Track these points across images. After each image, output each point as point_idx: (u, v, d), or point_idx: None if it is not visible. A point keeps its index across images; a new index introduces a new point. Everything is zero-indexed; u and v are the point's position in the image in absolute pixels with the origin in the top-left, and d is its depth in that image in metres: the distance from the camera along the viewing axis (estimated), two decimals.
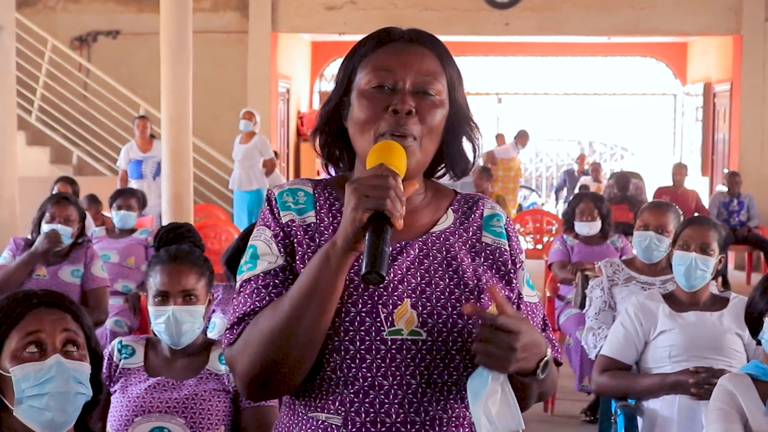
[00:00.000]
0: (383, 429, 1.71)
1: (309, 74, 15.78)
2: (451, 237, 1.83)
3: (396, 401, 1.72)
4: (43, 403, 2.14)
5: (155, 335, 3.14)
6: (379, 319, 1.72)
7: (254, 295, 1.75)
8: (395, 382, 1.72)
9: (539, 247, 11.22)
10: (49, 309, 2.21)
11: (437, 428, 1.74)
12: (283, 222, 1.80)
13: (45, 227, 5.20)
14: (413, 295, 1.75)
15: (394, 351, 1.72)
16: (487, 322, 1.65)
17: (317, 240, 1.78)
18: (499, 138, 15.61)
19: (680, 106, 16.11)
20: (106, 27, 13.00)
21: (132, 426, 2.93)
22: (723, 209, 11.57)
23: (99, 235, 6.62)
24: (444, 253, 1.80)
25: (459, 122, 1.84)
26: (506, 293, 1.82)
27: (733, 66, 13.12)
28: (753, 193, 11.67)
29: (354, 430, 1.71)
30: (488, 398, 1.67)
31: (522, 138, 15.26)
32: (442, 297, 1.76)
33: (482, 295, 1.78)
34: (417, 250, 1.79)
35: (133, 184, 9.93)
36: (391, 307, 1.73)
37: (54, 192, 7.26)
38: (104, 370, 2.99)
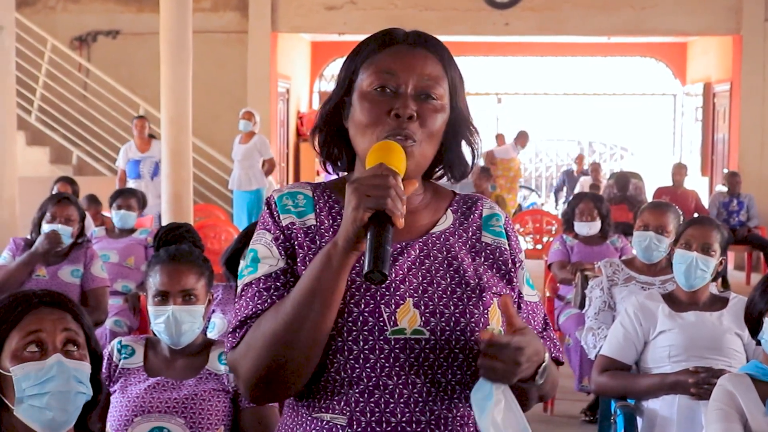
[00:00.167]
0: (388, 428, 1.71)
1: (309, 74, 15.78)
2: (451, 237, 1.83)
3: (401, 401, 1.72)
4: (44, 402, 2.15)
5: (155, 335, 3.14)
6: (381, 319, 1.72)
7: (256, 298, 1.75)
8: (400, 382, 1.72)
9: (539, 247, 11.22)
10: (49, 309, 2.21)
11: (442, 427, 1.74)
12: (284, 225, 1.80)
13: (45, 227, 5.20)
14: (415, 295, 1.75)
15: (397, 350, 1.72)
16: (501, 345, 1.66)
17: (318, 242, 1.78)
18: (499, 138, 15.62)
19: (680, 106, 16.12)
20: (106, 27, 13.00)
21: (131, 426, 2.94)
22: (723, 209, 11.57)
23: (99, 235, 6.62)
24: (444, 253, 1.81)
25: (459, 126, 1.84)
26: (507, 292, 1.83)
27: (732, 66, 13.12)
28: (753, 193, 11.68)
29: (359, 429, 1.71)
30: (494, 408, 1.69)
31: (522, 138, 15.26)
32: (444, 296, 1.76)
33: (484, 294, 1.78)
34: (417, 251, 1.80)
35: (131, 183, 9.93)
36: (393, 306, 1.73)
37: (54, 192, 7.26)
38: (104, 370, 3.00)
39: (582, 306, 5.51)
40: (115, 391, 3.02)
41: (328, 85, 16.22)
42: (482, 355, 1.67)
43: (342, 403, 1.73)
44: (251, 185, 11.21)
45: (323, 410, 1.74)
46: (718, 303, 3.87)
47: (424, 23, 12.19)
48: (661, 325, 3.78)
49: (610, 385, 3.85)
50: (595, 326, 4.79)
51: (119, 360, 3.07)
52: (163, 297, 3.10)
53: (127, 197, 6.98)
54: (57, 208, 5.22)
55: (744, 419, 3.00)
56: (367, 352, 1.71)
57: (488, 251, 1.85)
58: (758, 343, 3.19)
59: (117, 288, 6.17)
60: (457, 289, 1.77)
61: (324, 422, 1.74)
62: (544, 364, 1.74)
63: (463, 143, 1.86)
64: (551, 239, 9.51)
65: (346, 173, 1.90)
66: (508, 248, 1.86)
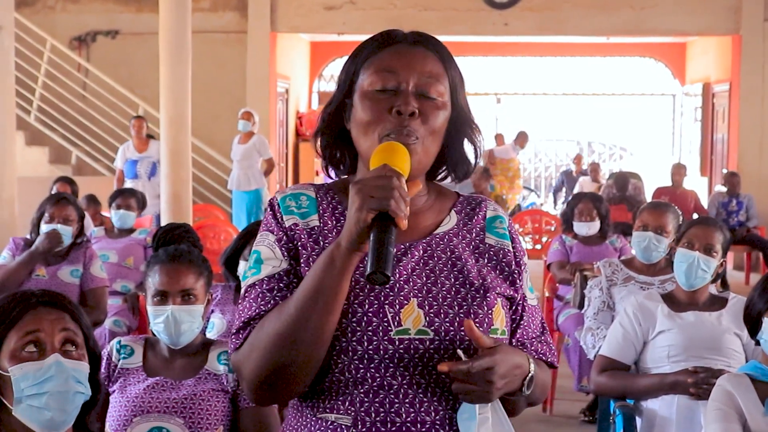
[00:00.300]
0: (393, 428, 1.71)
1: (308, 74, 15.78)
2: (454, 238, 1.84)
3: (406, 401, 1.72)
4: (43, 402, 2.15)
5: (154, 335, 3.14)
6: (386, 319, 1.72)
7: (259, 299, 1.75)
8: (404, 382, 1.72)
9: (538, 247, 11.21)
10: (47, 309, 2.21)
11: (447, 427, 1.74)
12: (287, 226, 1.80)
13: (44, 227, 5.19)
14: (419, 295, 1.75)
15: (402, 350, 1.72)
16: (460, 376, 1.67)
17: (321, 243, 1.78)
18: (499, 138, 15.62)
19: (679, 107, 16.13)
20: (105, 27, 13.00)
21: (131, 426, 2.94)
22: (722, 209, 11.57)
23: (98, 235, 6.62)
24: (448, 253, 1.81)
25: (461, 124, 1.85)
26: (510, 294, 1.84)
27: (732, 66, 13.12)
28: (752, 194, 11.68)
29: (364, 430, 1.71)
30: (480, 427, 1.70)
31: (521, 139, 15.26)
32: (449, 296, 1.77)
33: (488, 294, 1.79)
34: (421, 251, 1.80)
35: (128, 183, 9.92)
36: (397, 306, 1.73)
37: (53, 192, 7.26)
38: (103, 370, 3.00)
39: (581, 306, 5.51)
40: (114, 391, 3.02)
41: (328, 85, 16.21)
42: (454, 381, 1.69)
43: (347, 404, 1.73)
44: (250, 185, 11.21)
45: (328, 410, 1.75)
46: (717, 303, 3.87)
47: (423, 23, 12.19)
48: (661, 325, 3.78)
49: (609, 385, 3.85)
50: (594, 326, 4.79)
51: (118, 360, 3.07)
52: (163, 297, 3.10)
53: (126, 197, 6.98)
54: (56, 208, 5.22)
55: (743, 419, 3.00)
56: (371, 352, 1.71)
57: (492, 252, 1.85)
58: (757, 343, 3.19)
59: (116, 288, 6.17)
60: (462, 290, 1.78)
61: (329, 422, 1.74)
62: (530, 375, 1.75)
63: (465, 142, 1.86)
64: (550, 239, 9.51)
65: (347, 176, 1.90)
66: (511, 250, 1.87)
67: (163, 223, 7.51)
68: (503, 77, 17.91)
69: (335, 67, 16.03)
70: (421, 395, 1.73)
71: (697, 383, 3.58)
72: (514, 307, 1.85)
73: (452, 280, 1.78)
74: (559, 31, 13.23)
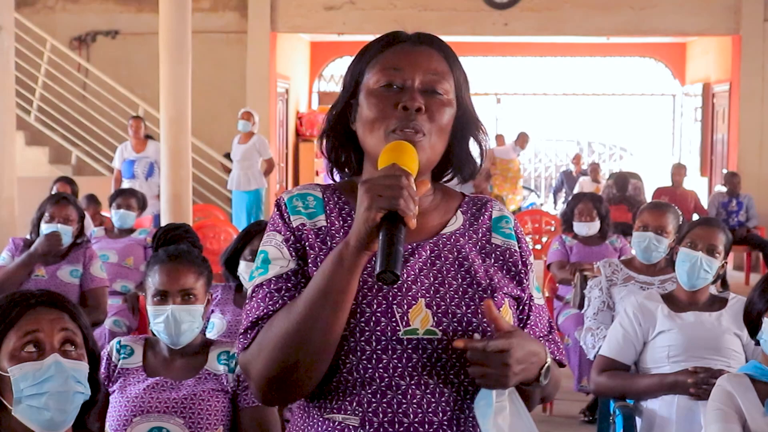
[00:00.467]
0: (401, 429, 1.71)
1: (308, 74, 15.78)
2: (461, 238, 1.84)
3: (414, 401, 1.72)
4: (42, 402, 2.15)
5: (154, 335, 3.14)
6: (394, 319, 1.72)
7: (267, 299, 1.75)
8: (413, 382, 1.72)
9: (538, 247, 11.20)
10: (46, 309, 2.21)
11: (455, 428, 1.74)
12: (294, 226, 1.80)
13: (44, 227, 5.19)
14: (427, 295, 1.75)
15: (410, 351, 1.72)
16: (478, 350, 1.67)
17: (329, 244, 1.78)
18: (499, 139, 15.61)
19: (679, 107, 16.13)
20: (105, 27, 13.00)
21: (130, 426, 2.94)
22: (722, 210, 11.57)
23: (98, 235, 6.62)
24: (455, 253, 1.81)
25: (466, 123, 1.85)
26: (517, 293, 1.84)
27: (732, 66, 13.12)
28: (752, 194, 11.68)
29: (371, 430, 1.71)
30: (497, 416, 1.69)
31: (522, 140, 15.26)
32: (456, 296, 1.77)
33: (495, 294, 1.79)
34: (428, 252, 1.80)
35: (125, 184, 9.92)
36: (405, 306, 1.73)
37: (53, 192, 7.26)
38: (103, 370, 2.99)
39: (581, 306, 5.51)
40: (114, 391, 3.02)
41: (328, 85, 16.21)
42: (470, 364, 1.68)
43: (354, 404, 1.72)
44: (250, 185, 11.21)
45: (335, 411, 1.74)
46: (717, 303, 3.87)
47: (423, 23, 12.19)
48: (660, 325, 3.78)
49: (609, 386, 3.85)
50: (594, 326, 4.79)
51: (118, 360, 3.07)
52: (163, 296, 3.10)
53: (127, 197, 6.98)
54: (56, 208, 5.22)
55: (743, 419, 2.99)
56: (379, 352, 1.71)
57: (498, 253, 1.85)
58: (757, 343, 3.19)
59: (116, 288, 6.17)
60: (469, 290, 1.78)
61: (336, 423, 1.74)
62: (546, 365, 1.74)
63: (470, 142, 1.87)
64: (550, 239, 9.51)
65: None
66: (518, 250, 1.87)
67: (163, 223, 7.51)
68: (503, 77, 17.91)
69: (335, 67, 16.03)
70: (428, 396, 1.72)
71: (697, 383, 3.58)
72: (521, 307, 1.86)
73: (459, 280, 1.78)
74: (559, 31, 13.23)
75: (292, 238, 1.79)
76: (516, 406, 1.71)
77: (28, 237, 5.34)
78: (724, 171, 12.79)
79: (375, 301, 1.73)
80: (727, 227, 4.03)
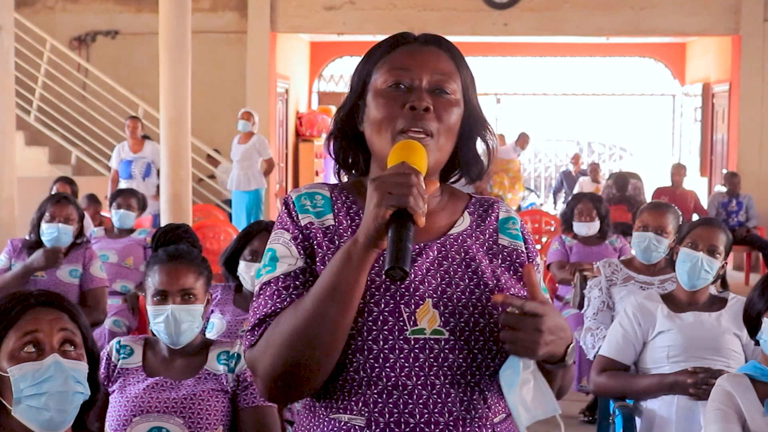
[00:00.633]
0: (407, 429, 1.71)
1: (308, 74, 15.78)
2: (468, 239, 1.84)
3: (420, 401, 1.72)
4: (42, 402, 2.15)
5: (154, 335, 3.14)
6: (401, 319, 1.73)
7: (275, 296, 1.75)
8: (419, 382, 1.72)
9: (538, 247, 11.20)
10: (46, 309, 2.21)
11: (461, 428, 1.74)
12: (302, 224, 1.80)
13: (44, 227, 5.18)
14: (434, 295, 1.76)
15: (417, 350, 1.72)
16: (516, 308, 1.67)
17: (337, 242, 1.79)
18: (499, 139, 15.61)
19: (679, 107, 16.13)
20: (105, 27, 13.00)
21: (130, 426, 2.94)
22: (722, 210, 11.57)
23: (98, 235, 6.61)
24: (462, 254, 1.82)
25: (474, 123, 1.87)
26: (524, 294, 1.84)
27: (731, 66, 13.12)
28: (752, 194, 11.68)
29: (377, 430, 1.71)
30: (522, 387, 1.68)
31: (522, 141, 15.25)
32: (463, 297, 1.77)
33: None
34: (436, 252, 1.80)
35: (122, 184, 9.92)
36: (413, 306, 1.74)
37: (53, 192, 7.26)
38: (102, 370, 3.00)
39: (581, 306, 5.51)
40: (113, 391, 3.02)
41: (328, 85, 16.21)
42: (503, 328, 1.68)
43: (360, 404, 1.73)
44: (250, 185, 11.20)
45: (341, 411, 1.74)
46: (716, 303, 3.87)
47: (423, 23, 12.20)
48: (660, 325, 3.78)
49: (609, 386, 3.85)
50: (594, 326, 4.79)
51: (118, 360, 3.07)
52: (162, 296, 3.10)
53: (127, 197, 6.98)
54: (56, 208, 5.21)
55: (742, 420, 2.99)
56: (386, 351, 1.72)
57: (505, 253, 1.86)
58: (757, 343, 3.19)
59: (116, 288, 6.17)
60: (476, 290, 1.78)
61: (342, 423, 1.74)
62: (572, 345, 1.75)
63: (477, 142, 1.88)
64: (550, 239, 9.52)
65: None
66: (524, 251, 1.88)
67: (162, 224, 7.51)
68: (503, 77, 17.90)
69: (335, 67, 16.03)
70: (435, 396, 1.73)
71: (697, 384, 3.57)
72: None
73: (467, 281, 1.79)
74: (558, 31, 13.23)
75: (300, 236, 1.80)
76: (539, 383, 1.70)
77: (27, 237, 5.33)
78: (724, 171, 12.79)
79: (383, 300, 1.73)
80: (727, 227, 4.03)
